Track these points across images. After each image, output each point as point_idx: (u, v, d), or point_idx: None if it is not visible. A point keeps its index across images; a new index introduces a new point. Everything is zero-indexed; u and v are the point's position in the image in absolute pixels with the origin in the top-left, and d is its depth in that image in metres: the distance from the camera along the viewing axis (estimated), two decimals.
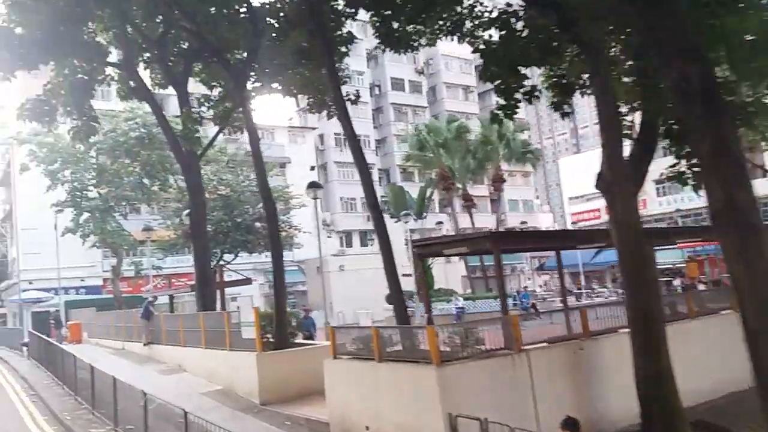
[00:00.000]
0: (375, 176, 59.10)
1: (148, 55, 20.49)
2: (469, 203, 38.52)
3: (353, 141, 15.62)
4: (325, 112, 20.41)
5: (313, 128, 56.13)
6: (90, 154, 30.74)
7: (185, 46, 19.94)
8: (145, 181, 31.83)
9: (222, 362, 17.00)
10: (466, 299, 29.13)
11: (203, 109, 21.89)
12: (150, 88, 20.98)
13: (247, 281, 26.51)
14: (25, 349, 25.16)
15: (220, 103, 20.26)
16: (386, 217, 47.53)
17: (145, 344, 22.49)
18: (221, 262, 39.29)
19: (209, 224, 35.48)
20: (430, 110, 63.43)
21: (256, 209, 32.54)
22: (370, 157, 59.35)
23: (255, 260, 40.68)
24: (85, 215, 31.92)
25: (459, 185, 43.66)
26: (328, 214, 55.98)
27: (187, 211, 21.60)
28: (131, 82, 20.91)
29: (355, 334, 12.73)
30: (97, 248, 47.10)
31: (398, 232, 49.78)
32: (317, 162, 57.05)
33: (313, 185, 21.52)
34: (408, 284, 35.55)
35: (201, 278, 20.16)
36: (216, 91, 21.72)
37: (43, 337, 23.09)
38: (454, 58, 62.95)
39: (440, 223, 41.63)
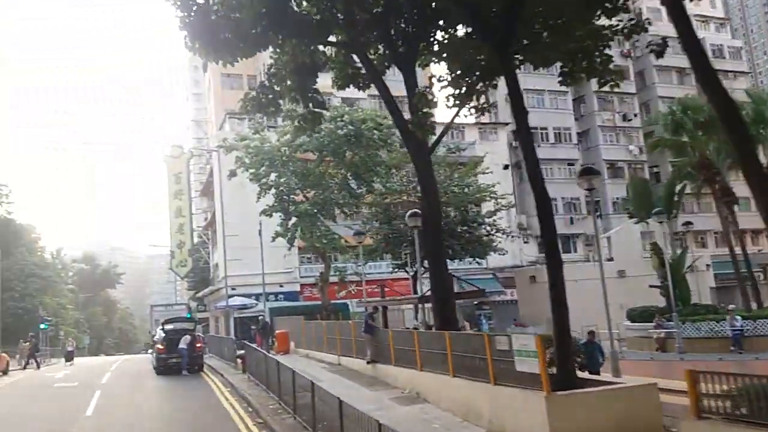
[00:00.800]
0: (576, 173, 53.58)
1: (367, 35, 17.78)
2: (729, 198, 31.20)
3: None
4: None
5: (506, 123, 51.92)
6: (295, 156, 29.16)
7: (416, 17, 16.76)
8: (352, 183, 29.64)
9: (483, 398, 13.42)
10: (744, 317, 23.37)
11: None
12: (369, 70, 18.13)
13: (480, 293, 22.94)
14: (239, 361, 23.56)
15: (461, 82, 16.80)
16: (620, 218, 41.91)
17: (368, 362, 19.74)
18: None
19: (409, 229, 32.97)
20: (638, 97, 56.71)
21: (470, 211, 29.09)
22: (571, 151, 53.96)
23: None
24: (293, 219, 30.32)
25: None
26: (523, 217, 51.54)
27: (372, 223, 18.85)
28: (349, 69, 18.33)
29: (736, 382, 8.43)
30: (304, 254, 46.83)
31: (626, 235, 44.24)
32: (511, 160, 52.81)
33: (588, 172, 17.36)
34: (650, 297, 30.40)
35: (439, 288, 16.82)
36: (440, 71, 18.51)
37: (261, 350, 21.21)
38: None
39: (688, 224, 34.52)
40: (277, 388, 16.56)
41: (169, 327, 26.63)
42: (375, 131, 28.10)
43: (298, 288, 45.88)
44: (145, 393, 21.18)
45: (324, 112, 17.68)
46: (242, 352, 23.19)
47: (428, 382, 16.05)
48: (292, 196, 29.71)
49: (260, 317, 33.76)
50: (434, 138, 17.97)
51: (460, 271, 37.37)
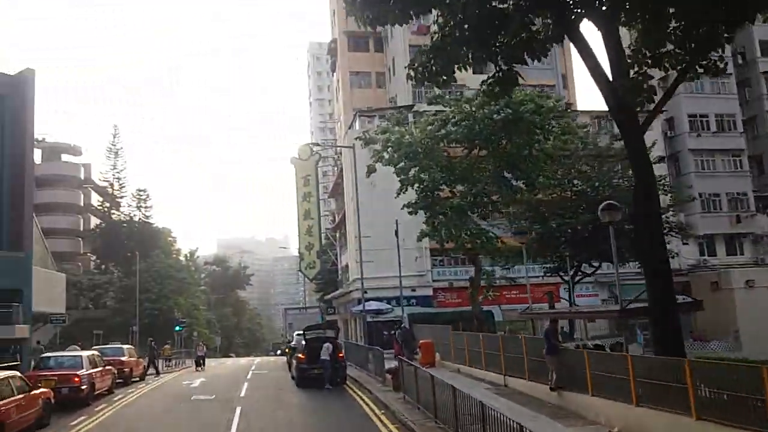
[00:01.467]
0: (745, 165, 46.95)
1: None
2: None
3: None
4: None
5: (661, 111, 46.18)
6: (439, 147, 25.99)
7: None
8: (507, 174, 26.03)
9: None
10: None
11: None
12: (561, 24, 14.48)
13: (696, 305, 18.60)
14: (389, 376, 20.62)
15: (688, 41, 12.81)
16: None
17: (552, 388, 16.10)
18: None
19: (567, 227, 28.83)
20: None
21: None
22: (736, 140, 47.34)
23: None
24: (440, 218, 27.07)
25: None
26: (681, 215, 45.60)
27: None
28: (523, 33, 14.78)
29: None
30: (436, 256, 43.84)
31: None
32: (666, 151, 46.95)
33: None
34: None
35: (661, 297, 12.90)
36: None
37: (415, 365, 18.10)
38: None
39: None
40: (450, 418, 13.34)
41: (310, 335, 24.27)
42: (535, 115, 24.34)
43: (430, 292, 42.80)
44: (288, 411, 18.67)
45: (520, 77, 14.07)
46: (394, 365, 20.21)
47: (652, 423, 12.22)
48: (437, 192, 26.47)
49: (402, 325, 30.85)
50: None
51: (609, 274, 33.04)
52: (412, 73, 13.74)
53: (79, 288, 66.99)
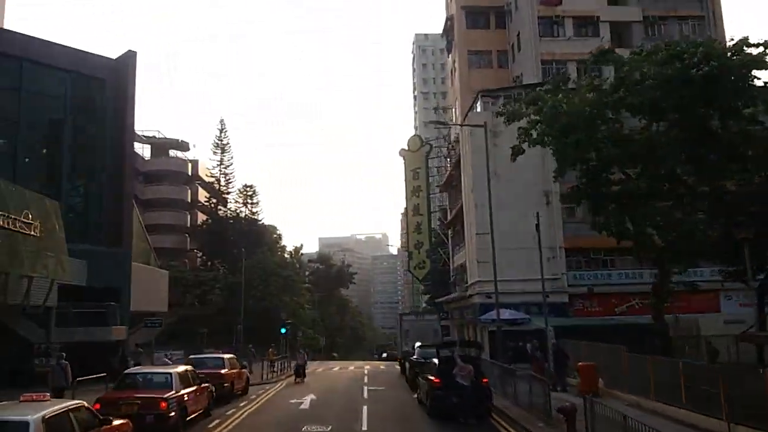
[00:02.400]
0: None
1: None
2: None
3: None
4: None
5: None
6: (608, 117, 20.06)
7: None
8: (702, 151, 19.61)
9: None
10: None
11: None
12: None
13: None
14: (562, 418, 15.05)
15: None
16: None
17: None
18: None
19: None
20: None
21: None
22: None
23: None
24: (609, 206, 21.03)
25: None
26: None
27: None
28: None
29: None
30: (573, 256, 37.80)
31: None
32: None
33: None
34: None
35: None
36: None
37: (600, 402, 12.55)
38: None
39: None
40: None
41: (445, 354, 19.17)
42: (746, 68, 17.90)
43: (566, 299, 36.65)
44: None
45: None
46: (568, 403, 14.63)
47: None
48: (607, 175, 20.49)
49: (552, 341, 25.09)
50: None
51: None
52: None
53: (185, 285, 65.44)
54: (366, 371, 38.72)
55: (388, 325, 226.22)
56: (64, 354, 19.72)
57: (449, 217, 50.95)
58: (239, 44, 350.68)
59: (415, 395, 22.41)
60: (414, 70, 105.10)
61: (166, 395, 15.37)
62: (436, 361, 19.44)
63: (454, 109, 50.16)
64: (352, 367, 47.50)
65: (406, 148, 55.25)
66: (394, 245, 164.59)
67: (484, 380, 18.25)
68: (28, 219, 21.69)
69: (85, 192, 32.99)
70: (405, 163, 55.25)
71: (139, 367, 19.51)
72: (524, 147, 21.98)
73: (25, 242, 21.76)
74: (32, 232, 21.83)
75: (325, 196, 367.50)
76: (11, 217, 20.69)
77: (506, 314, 28.87)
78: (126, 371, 17.00)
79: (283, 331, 49.79)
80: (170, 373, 16.50)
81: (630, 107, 19.18)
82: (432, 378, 18.71)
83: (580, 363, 21.48)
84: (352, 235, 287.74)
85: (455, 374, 16.97)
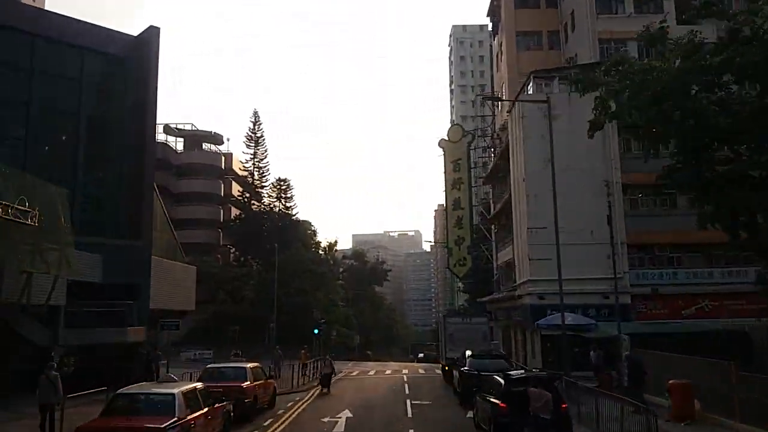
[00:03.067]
0: None
1: None
2: None
3: None
4: None
5: None
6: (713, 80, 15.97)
7: None
8: None
9: None
10: None
11: None
12: None
13: None
14: None
15: None
16: None
17: None
18: None
19: None
20: None
21: None
22: None
23: None
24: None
25: None
26: None
27: None
28: None
29: None
30: (636, 253, 33.58)
31: None
32: None
33: None
34: None
35: None
36: None
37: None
38: None
39: None
40: None
41: (517, 377, 15.39)
42: None
43: (628, 300, 32.42)
44: None
45: None
46: None
47: None
48: (710, 151, 16.34)
49: (626, 352, 21.09)
50: None
51: None
52: None
53: (218, 281, 62.79)
54: (405, 378, 35.08)
55: (422, 322, 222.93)
56: (55, 364, 16.50)
57: (493, 211, 46.97)
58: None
59: (470, 414, 18.70)
60: (451, 63, 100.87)
61: (165, 424, 11.96)
62: (499, 378, 15.69)
63: (501, 93, 46.03)
64: (388, 371, 44.00)
65: (446, 138, 51.50)
66: (429, 241, 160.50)
67: (564, 406, 14.44)
68: (25, 206, 18.57)
69: (103, 180, 29.95)
70: (445, 154, 51.44)
71: (139, 384, 16.09)
72: (601, 121, 17.95)
73: (20, 233, 18.65)
74: (29, 222, 18.71)
75: (359, 195, 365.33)
76: (1, 203, 17.56)
77: (568, 319, 24.90)
78: (118, 392, 13.58)
79: (316, 331, 46.31)
80: (173, 394, 13.07)
81: (741, 68, 15.09)
82: (496, 402, 14.96)
83: (671, 381, 17.45)
84: (385, 232, 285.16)
85: (531, 408, 13.18)
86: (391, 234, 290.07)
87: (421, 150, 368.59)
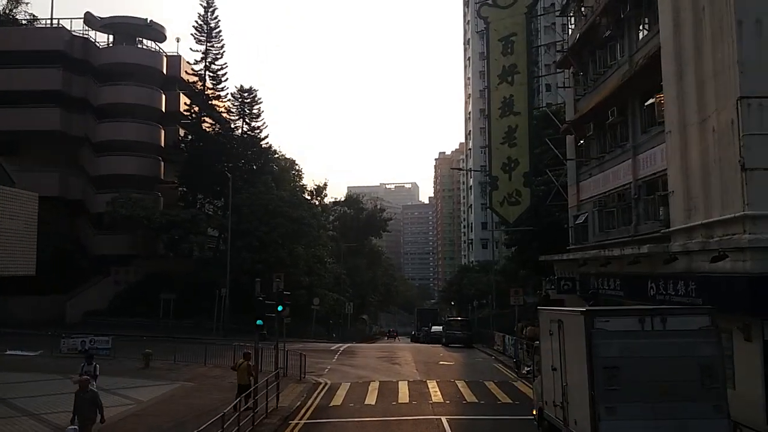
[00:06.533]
0: None
1: None
2: None
3: None
4: None
5: None
6: None
7: None
8: None
9: None
10: None
11: None
12: None
13: None
14: None
15: None
16: None
17: None
18: None
19: None
20: None
21: None
22: None
23: None
24: None
25: None
26: None
27: None
28: None
29: None
30: None
31: None
32: None
33: None
34: None
35: None
36: None
37: None
38: None
39: None
40: None
41: None
42: None
43: None
44: None
45: None
46: None
47: None
48: None
49: None
50: None
51: None
52: None
53: (155, 227, 43.12)
54: (443, 413, 15.49)
55: (419, 276, 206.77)
56: None
57: (577, 112, 27.11)
58: None
59: None
60: None
61: None
62: None
63: None
64: (398, 366, 24.66)
65: (491, 2, 31.23)
66: (426, 192, 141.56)
67: None
68: None
69: None
70: (489, 29, 31.22)
71: None
72: None
73: None
74: None
75: (354, 142, 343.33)
76: None
77: None
78: None
79: (280, 308, 26.05)
80: None
81: None
82: None
83: None
84: (381, 184, 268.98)
85: None
86: (387, 186, 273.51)
87: (420, 94, 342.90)
